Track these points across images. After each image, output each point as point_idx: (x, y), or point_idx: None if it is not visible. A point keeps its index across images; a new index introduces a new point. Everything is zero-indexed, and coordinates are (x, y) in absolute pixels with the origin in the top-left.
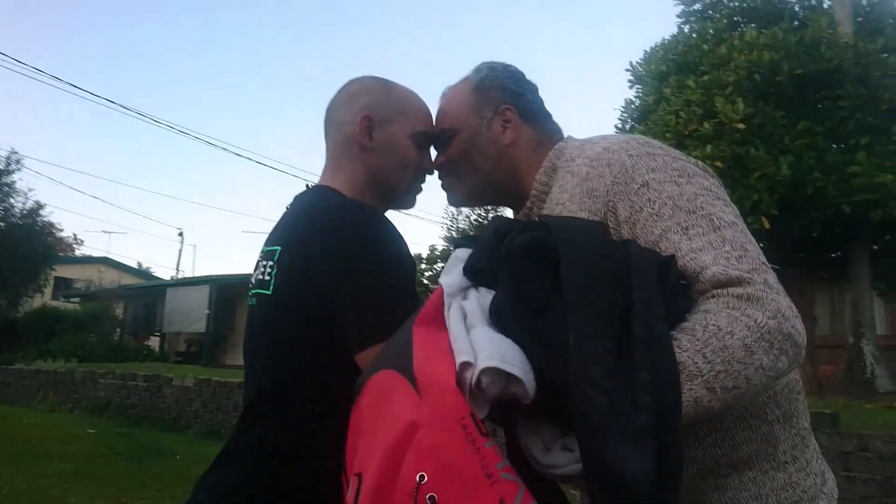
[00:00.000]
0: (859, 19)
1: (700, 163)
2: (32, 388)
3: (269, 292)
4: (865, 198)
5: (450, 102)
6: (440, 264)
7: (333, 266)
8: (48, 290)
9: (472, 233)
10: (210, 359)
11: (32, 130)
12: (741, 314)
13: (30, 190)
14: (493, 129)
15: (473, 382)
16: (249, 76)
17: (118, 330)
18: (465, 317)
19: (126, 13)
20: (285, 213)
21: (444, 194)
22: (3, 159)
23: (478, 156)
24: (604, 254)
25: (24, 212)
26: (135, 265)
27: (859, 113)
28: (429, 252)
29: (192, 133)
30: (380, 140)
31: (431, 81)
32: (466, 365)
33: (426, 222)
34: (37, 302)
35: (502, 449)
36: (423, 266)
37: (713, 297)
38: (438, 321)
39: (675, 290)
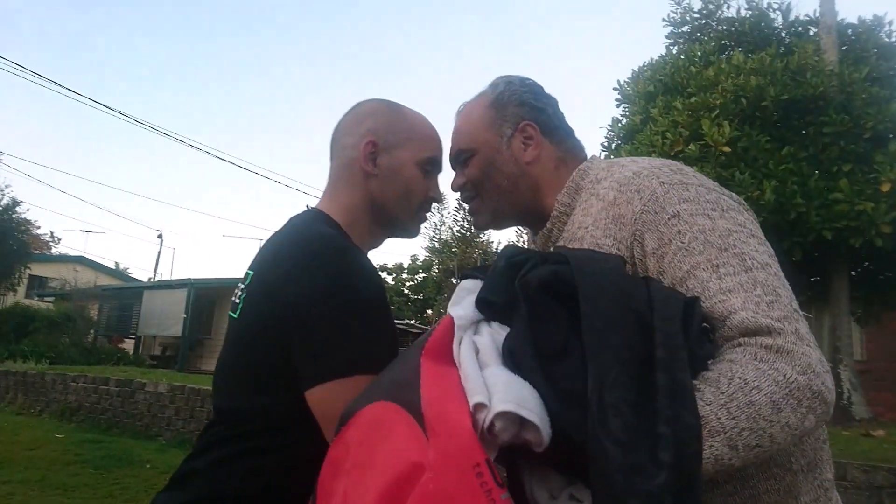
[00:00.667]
0: (844, 48)
1: (734, 195)
2: (1, 390)
3: (236, 316)
4: (847, 224)
5: (467, 120)
6: (421, 274)
7: (296, 299)
8: (22, 289)
9: (479, 262)
10: (185, 363)
11: (12, 127)
12: (769, 368)
13: (6, 186)
14: (514, 147)
15: (486, 426)
16: (235, 80)
17: (92, 331)
18: (476, 352)
19: (111, 11)
20: (271, 237)
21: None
22: None
23: (499, 175)
24: (625, 293)
25: (0, 208)
26: (112, 266)
27: (842, 140)
28: (410, 262)
29: (174, 135)
30: (384, 166)
31: (411, 95)
32: (480, 406)
33: None
34: (9, 300)
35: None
36: (405, 276)
37: (740, 345)
38: (447, 355)
39: (699, 334)
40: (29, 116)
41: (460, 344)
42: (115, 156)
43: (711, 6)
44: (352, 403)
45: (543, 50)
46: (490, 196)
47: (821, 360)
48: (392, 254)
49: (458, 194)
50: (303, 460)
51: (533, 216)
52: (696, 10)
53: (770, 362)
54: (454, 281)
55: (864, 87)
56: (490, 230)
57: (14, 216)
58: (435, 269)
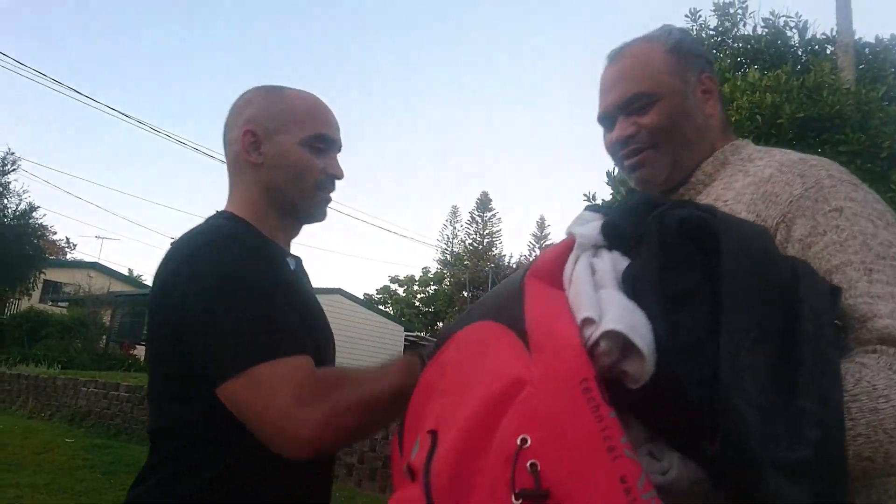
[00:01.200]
0: (861, 66)
1: None
2: (12, 393)
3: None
4: None
5: (643, 63)
6: (433, 286)
7: (184, 298)
8: (36, 294)
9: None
10: None
11: (30, 132)
12: None
13: (24, 191)
14: (697, 97)
15: (590, 344)
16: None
17: (104, 337)
18: (593, 273)
19: (133, 18)
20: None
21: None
22: None
23: (688, 124)
24: (772, 259)
25: (17, 213)
26: (126, 272)
27: (859, 159)
28: (421, 274)
29: (190, 143)
30: (269, 154)
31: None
32: (588, 322)
33: (421, 245)
34: (24, 304)
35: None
36: (417, 288)
37: (874, 352)
38: (555, 277)
39: (833, 328)
40: (47, 122)
41: (577, 262)
42: (132, 163)
43: (727, 24)
44: (450, 325)
45: (563, 67)
46: (674, 146)
47: None
48: (404, 266)
49: (618, 147)
50: (248, 469)
51: (685, 177)
52: (711, 27)
53: None
54: (465, 294)
55: (882, 106)
56: (646, 189)
57: (30, 221)
58: (446, 281)
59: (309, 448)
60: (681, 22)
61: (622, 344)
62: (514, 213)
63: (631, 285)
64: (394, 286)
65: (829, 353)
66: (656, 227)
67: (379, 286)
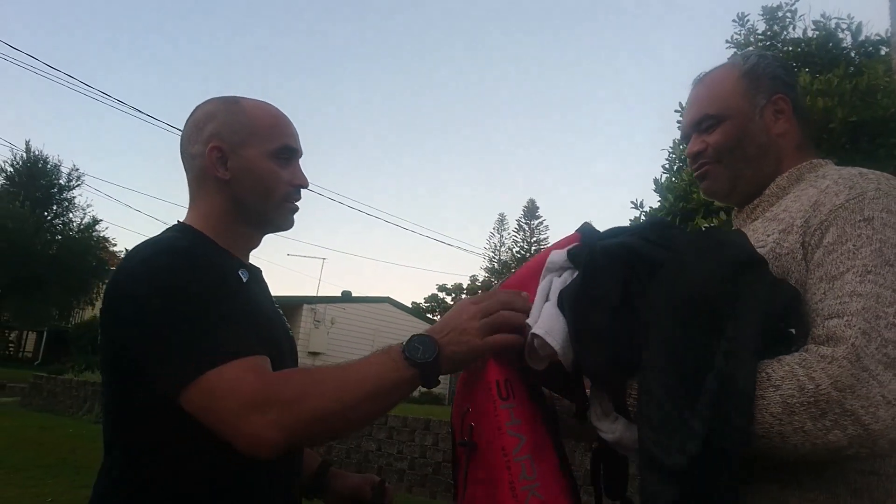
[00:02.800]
0: None
1: None
2: (79, 399)
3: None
4: None
5: (716, 87)
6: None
7: (123, 316)
8: (99, 303)
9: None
10: None
11: (93, 148)
12: (804, 373)
13: (88, 206)
14: (766, 118)
15: (527, 342)
16: (302, 100)
17: None
18: (551, 290)
19: (202, 39)
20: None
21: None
22: (64, 175)
23: (749, 144)
24: (706, 294)
25: (81, 226)
26: None
27: None
28: (469, 282)
29: None
30: (236, 168)
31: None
32: (526, 326)
33: (468, 253)
34: (88, 314)
35: (514, 411)
36: (465, 296)
37: (805, 350)
38: (527, 288)
39: (779, 337)
40: (109, 138)
41: (542, 279)
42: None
43: (776, 27)
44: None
45: (609, 71)
46: (735, 164)
47: (884, 396)
48: (452, 274)
49: (690, 162)
50: (200, 482)
51: (760, 191)
52: (760, 31)
53: (809, 369)
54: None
55: None
56: (712, 198)
57: (93, 234)
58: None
59: (268, 449)
60: (728, 27)
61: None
62: (561, 221)
63: (558, 297)
64: (441, 294)
65: (735, 374)
66: (587, 252)
67: (427, 295)
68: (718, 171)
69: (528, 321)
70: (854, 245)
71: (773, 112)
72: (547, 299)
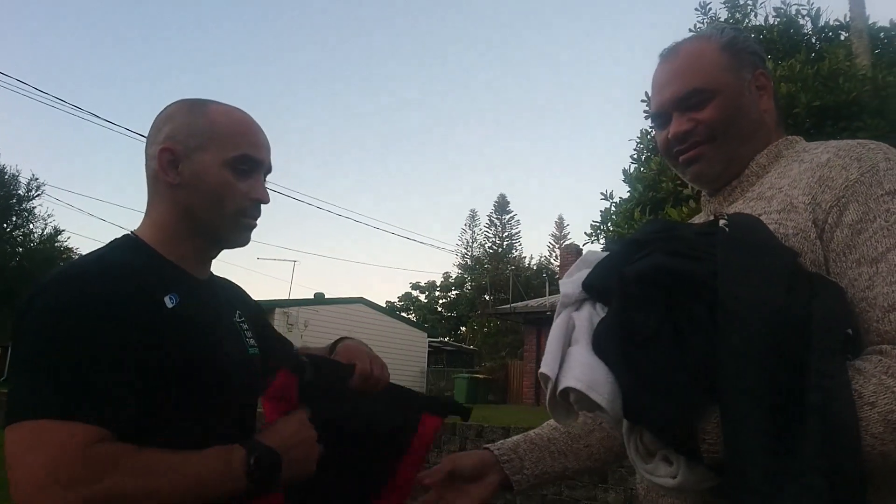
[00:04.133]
0: (877, 51)
1: None
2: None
3: None
4: None
5: (698, 60)
6: (454, 291)
7: (17, 331)
8: None
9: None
10: None
11: (53, 157)
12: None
13: (49, 216)
14: (752, 93)
15: (549, 395)
16: (272, 105)
17: None
18: (574, 328)
19: (152, 45)
20: None
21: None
22: (23, 185)
23: (744, 120)
24: (778, 318)
25: (44, 237)
26: None
27: None
28: (442, 279)
29: None
30: (187, 173)
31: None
32: (543, 376)
33: (440, 250)
34: None
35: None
36: (438, 293)
37: (879, 352)
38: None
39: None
40: (68, 147)
41: (557, 316)
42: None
43: (738, 15)
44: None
45: (571, 59)
46: (730, 142)
47: None
48: (425, 272)
49: (673, 143)
50: None
51: (739, 172)
52: (722, 19)
53: None
54: (487, 297)
55: None
56: (701, 185)
57: (56, 244)
58: (468, 285)
59: None
60: (691, 17)
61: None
62: (532, 215)
63: (597, 342)
64: (415, 293)
65: (837, 411)
66: (618, 283)
67: (401, 293)
68: (712, 152)
69: (545, 371)
70: (886, 221)
71: (757, 87)
72: (570, 342)
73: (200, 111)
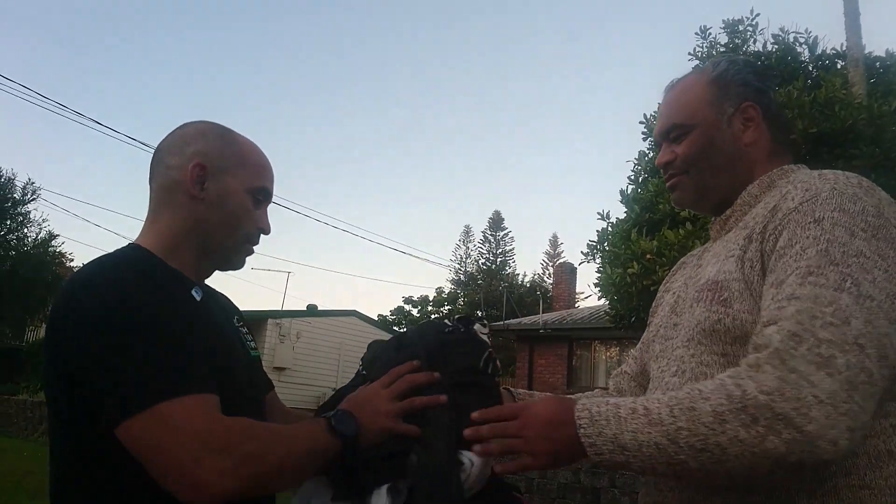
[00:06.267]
0: (872, 81)
1: None
2: (34, 421)
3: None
4: None
5: (684, 95)
6: (447, 306)
7: (70, 337)
8: None
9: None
10: None
11: (49, 162)
12: (733, 382)
13: (44, 220)
14: (734, 127)
15: None
16: (269, 119)
17: None
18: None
19: (153, 51)
20: None
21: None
22: (19, 189)
23: (717, 154)
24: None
25: (38, 241)
26: None
27: (873, 173)
28: (435, 294)
29: None
30: (212, 191)
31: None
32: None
33: (434, 265)
34: (42, 332)
35: None
36: (430, 308)
37: (746, 360)
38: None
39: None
40: (65, 152)
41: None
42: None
43: (738, 40)
44: None
45: (574, 82)
46: (702, 174)
47: (815, 397)
48: (418, 287)
49: (661, 171)
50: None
51: (733, 199)
52: (722, 43)
53: (738, 378)
54: (479, 313)
55: (894, 120)
56: (688, 208)
57: (50, 249)
58: (461, 301)
59: (211, 496)
60: (691, 40)
61: None
62: (527, 232)
63: None
64: (408, 307)
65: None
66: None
67: (393, 307)
68: (686, 182)
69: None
70: (801, 247)
71: (743, 120)
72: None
73: (231, 138)
